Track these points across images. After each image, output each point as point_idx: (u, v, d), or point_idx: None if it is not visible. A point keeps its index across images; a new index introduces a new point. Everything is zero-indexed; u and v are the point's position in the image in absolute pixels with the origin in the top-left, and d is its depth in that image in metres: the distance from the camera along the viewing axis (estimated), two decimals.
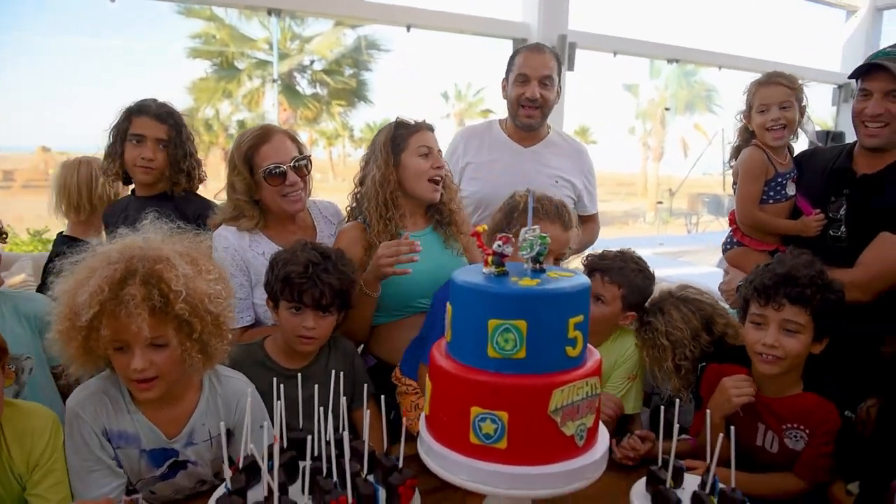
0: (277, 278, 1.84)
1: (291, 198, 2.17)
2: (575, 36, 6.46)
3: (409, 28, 6.39)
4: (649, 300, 2.15)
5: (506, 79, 2.86)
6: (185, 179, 2.52)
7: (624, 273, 2.05)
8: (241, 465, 1.31)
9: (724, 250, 2.57)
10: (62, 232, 2.92)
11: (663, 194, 15.75)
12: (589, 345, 1.36)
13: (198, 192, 2.62)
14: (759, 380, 1.80)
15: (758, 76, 2.44)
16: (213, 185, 2.73)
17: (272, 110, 12.12)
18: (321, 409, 1.33)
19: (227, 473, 1.25)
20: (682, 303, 2.09)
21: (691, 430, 1.99)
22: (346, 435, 1.27)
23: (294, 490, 1.32)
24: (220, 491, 1.27)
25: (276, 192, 2.14)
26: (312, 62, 13.04)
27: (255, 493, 1.28)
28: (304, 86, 13.23)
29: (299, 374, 1.59)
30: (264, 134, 2.17)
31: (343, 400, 1.38)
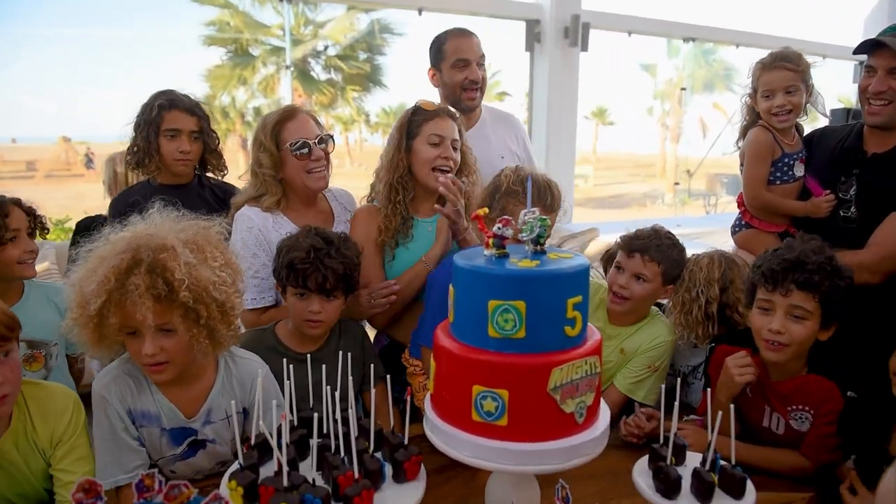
0: (283, 265, 1.89)
1: (315, 174, 2.22)
2: (588, 16, 6.41)
3: (420, 11, 6.39)
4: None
5: (435, 67, 2.86)
6: (219, 165, 2.67)
7: (661, 250, 2.04)
8: (252, 443, 1.35)
9: (733, 233, 2.56)
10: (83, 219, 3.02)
11: (682, 175, 15.58)
12: (590, 325, 1.39)
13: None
14: (765, 363, 1.81)
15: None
16: (232, 172, 2.82)
17: (288, 96, 12.19)
18: (328, 388, 1.37)
19: (240, 449, 1.30)
20: (722, 256, 2.11)
21: (699, 410, 2.01)
22: (352, 413, 1.31)
23: (304, 466, 1.37)
24: (234, 466, 1.33)
25: (302, 168, 2.20)
26: (326, 47, 13.06)
27: (267, 469, 1.33)
28: (318, 71, 13.28)
29: (308, 357, 1.63)
30: (290, 112, 2.25)
31: (350, 380, 1.41)
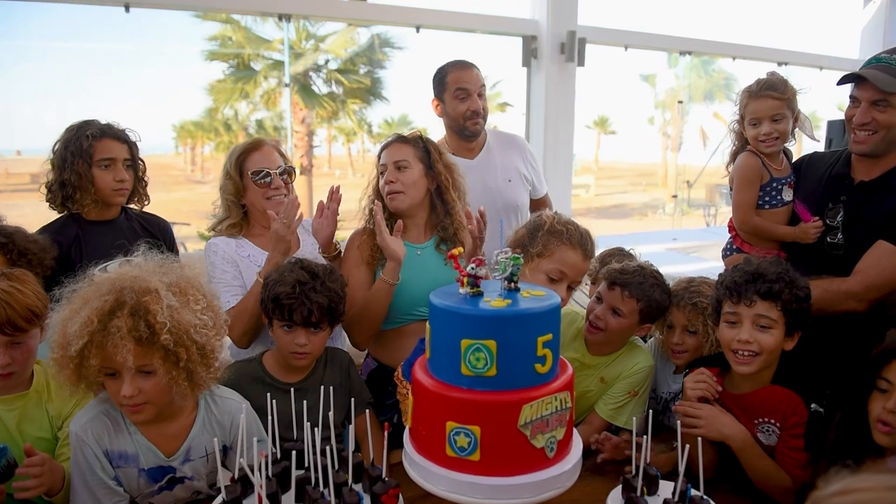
0: (269, 298, 1.93)
1: (274, 201, 2.33)
2: (584, 31, 6.47)
3: (418, 29, 6.46)
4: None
5: (438, 98, 3.01)
6: (145, 193, 2.61)
7: (643, 288, 2.06)
8: (236, 477, 1.40)
9: (724, 256, 2.58)
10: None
11: (681, 185, 15.60)
12: (563, 359, 1.44)
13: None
14: (734, 377, 1.85)
15: (773, 66, 2.43)
16: None
17: (289, 109, 12.28)
18: (312, 421, 1.41)
19: (224, 483, 1.35)
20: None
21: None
22: (331, 446, 1.36)
23: (287, 499, 1.41)
24: (218, 501, 1.37)
25: (262, 195, 2.33)
26: (327, 61, 13.14)
27: (250, 502, 1.37)
28: (319, 85, 13.34)
29: (292, 389, 1.67)
30: (256, 144, 2.38)
31: (332, 415, 1.46)
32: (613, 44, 7.24)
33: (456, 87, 2.92)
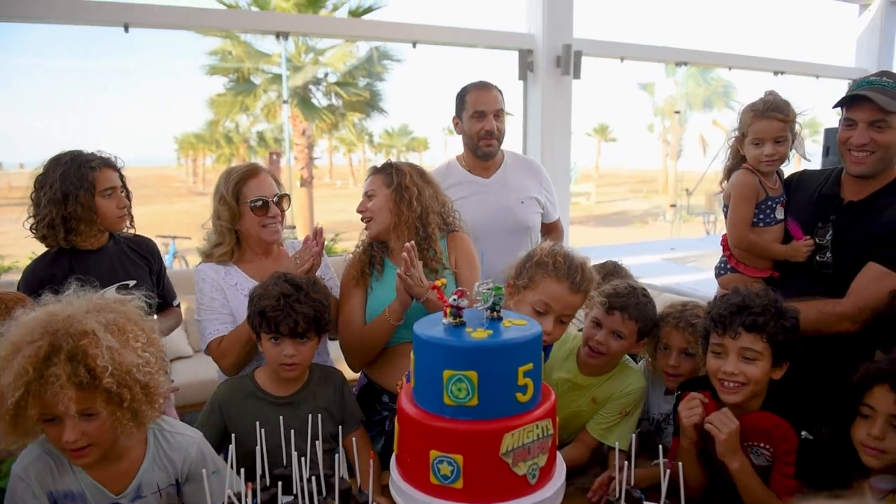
0: (255, 312, 1.98)
1: (270, 228, 2.39)
2: (580, 44, 6.53)
3: (415, 44, 6.52)
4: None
5: (458, 116, 3.11)
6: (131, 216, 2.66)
7: (639, 308, 2.09)
8: None
9: (718, 275, 2.59)
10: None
11: (681, 192, 15.64)
12: (546, 386, 1.47)
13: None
14: (724, 404, 1.86)
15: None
16: None
17: (288, 123, 12.37)
18: (304, 437, 1.42)
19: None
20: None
21: (669, 455, 2.07)
22: (317, 475, 1.38)
23: None
24: None
25: (258, 222, 2.37)
26: (327, 74, 13.25)
27: None
28: (319, 98, 13.43)
29: (281, 420, 1.67)
30: (252, 171, 2.41)
31: (319, 444, 1.48)
32: (609, 56, 7.30)
33: (474, 108, 3.00)
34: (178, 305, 2.92)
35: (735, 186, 2.42)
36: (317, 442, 1.50)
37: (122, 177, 2.58)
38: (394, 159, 2.72)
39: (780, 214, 2.40)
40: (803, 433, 1.78)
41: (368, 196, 2.37)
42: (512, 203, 3.06)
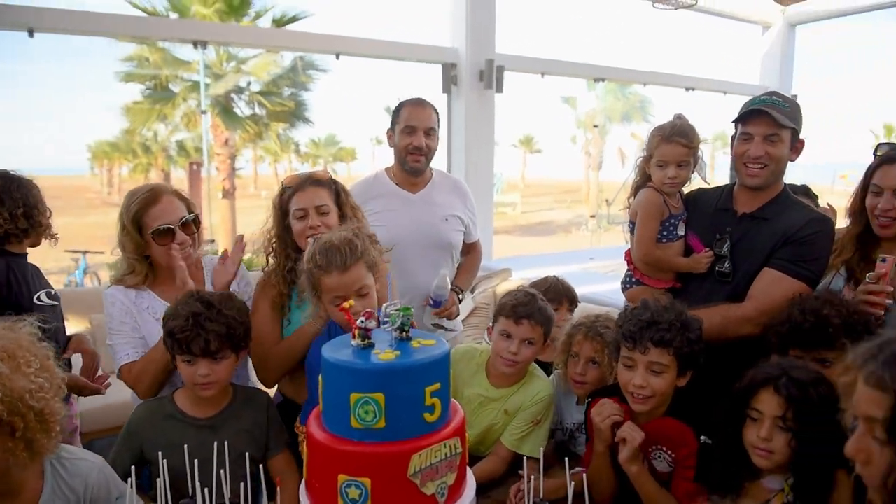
0: (166, 333, 1.92)
1: (182, 253, 2.27)
2: (502, 59, 6.65)
3: (338, 56, 6.48)
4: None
5: (391, 129, 3.13)
6: None
7: (543, 312, 2.18)
8: None
9: (624, 289, 2.68)
10: None
11: (602, 203, 16.17)
12: (455, 403, 1.49)
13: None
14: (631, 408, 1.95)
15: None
16: None
17: (206, 133, 12.01)
18: (225, 460, 1.38)
19: None
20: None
21: (583, 462, 2.13)
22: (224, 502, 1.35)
23: None
24: None
25: (164, 251, 2.24)
26: (249, 83, 13.00)
27: None
28: (241, 107, 13.14)
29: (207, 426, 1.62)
30: (152, 196, 2.25)
31: (226, 473, 1.45)
32: (530, 71, 7.48)
33: (405, 123, 3.01)
34: None
35: (641, 205, 2.52)
36: (243, 464, 1.46)
37: None
38: (319, 169, 2.65)
39: (681, 231, 2.51)
40: (703, 437, 1.88)
41: (321, 212, 2.29)
42: (436, 220, 3.09)
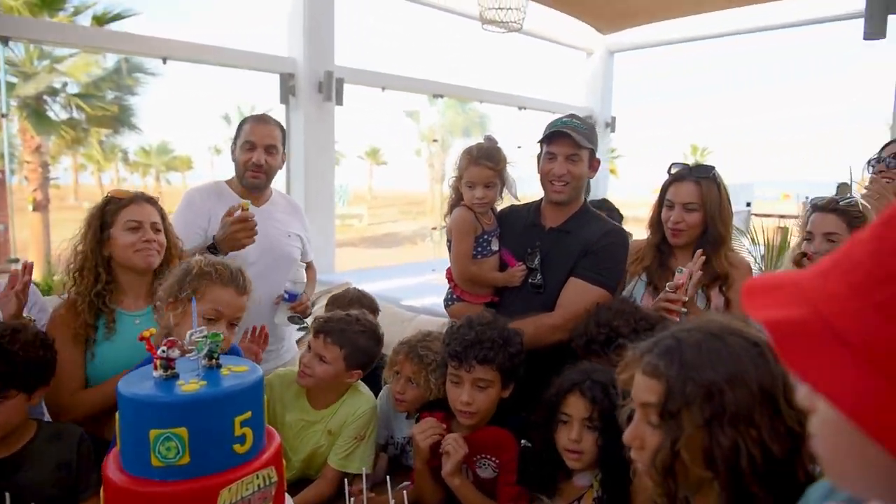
0: None
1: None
2: (342, 72, 6.62)
3: (165, 60, 6.10)
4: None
5: (234, 143, 3.03)
6: None
7: (346, 335, 2.14)
8: None
9: (447, 306, 2.76)
10: None
11: (444, 216, 16.61)
12: (270, 430, 1.43)
13: None
14: (456, 419, 2.02)
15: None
16: None
17: (6, 139, 10.69)
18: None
19: None
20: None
21: (411, 477, 2.15)
22: None
23: None
24: None
25: None
26: (66, 84, 11.78)
27: None
28: (56, 110, 11.86)
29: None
30: None
31: None
32: (370, 85, 7.51)
33: (245, 138, 2.92)
34: None
35: (455, 223, 2.62)
36: None
37: None
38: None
39: (495, 246, 2.64)
40: (523, 441, 1.99)
41: (156, 228, 2.20)
42: (280, 234, 3.02)
